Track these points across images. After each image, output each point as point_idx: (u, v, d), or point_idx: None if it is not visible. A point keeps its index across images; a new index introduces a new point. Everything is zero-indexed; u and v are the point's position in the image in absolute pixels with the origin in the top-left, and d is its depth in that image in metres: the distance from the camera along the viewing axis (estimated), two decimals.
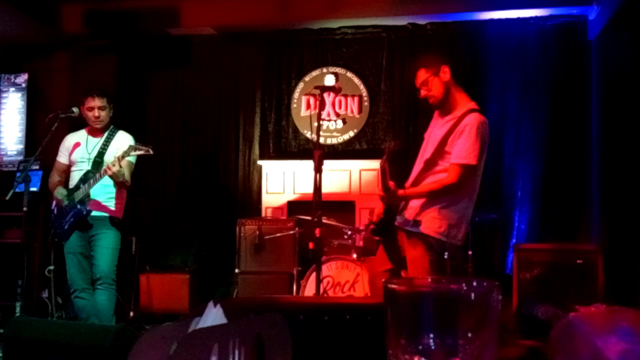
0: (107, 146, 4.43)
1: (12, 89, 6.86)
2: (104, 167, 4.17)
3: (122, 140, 4.47)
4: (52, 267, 4.66)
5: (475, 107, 3.40)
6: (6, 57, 6.97)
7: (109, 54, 6.64)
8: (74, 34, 6.74)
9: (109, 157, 4.35)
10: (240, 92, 6.91)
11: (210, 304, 0.95)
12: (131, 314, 5.74)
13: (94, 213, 4.32)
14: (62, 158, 4.52)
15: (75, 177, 4.41)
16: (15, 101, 6.84)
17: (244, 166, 6.82)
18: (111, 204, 4.42)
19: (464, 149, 3.23)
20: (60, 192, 4.36)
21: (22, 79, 6.85)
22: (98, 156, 4.38)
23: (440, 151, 3.35)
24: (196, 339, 0.84)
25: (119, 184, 4.31)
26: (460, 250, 3.66)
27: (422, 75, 3.44)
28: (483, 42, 6.34)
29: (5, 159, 6.78)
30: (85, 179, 4.31)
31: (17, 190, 4.27)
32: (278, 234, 5.51)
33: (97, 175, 4.22)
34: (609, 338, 1.13)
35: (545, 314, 4.24)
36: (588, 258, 4.65)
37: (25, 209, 4.24)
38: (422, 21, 6.41)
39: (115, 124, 4.56)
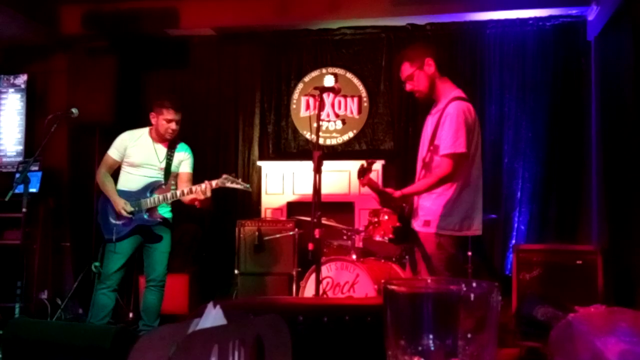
0: (172, 157, 4.53)
1: (11, 90, 6.86)
2: (191, 191, 4.28)
3: (185, 154, 4.61)
4: (97, 264, 4.72)
5: (459, 94, 3.38)
6: (5, 58, 6.97)
7: (108, 55, 6.63)
8: (73, 35, 6.74)
9: (173, 168, 4.52)
10: (240, 93, 6.91)
11: (210, 305, 0.95)
12: (130, 315, 5.74)
13: (159, 220, 4.47)
14: (116, 155, 4.52)
15: (136, 181, 4.45)
16: (14, 102, 6.84)
17: (244, 167, 6.81)
18: (168, 210, 4.61)
19: (449, 138, 3.22)
20: (121, 200, 4.37)
21: (22, 80, 6.85)
22: (167, 167, 4.48)
23: (432, 147, 3.36)
24: (196, 340, 0.84)
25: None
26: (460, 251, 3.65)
27: (406, 69, 3.45)
28: (482, 43, 6.34)
29: (4, 160, 6.77)
30: (154, 188, 4.40)
31: (16, 191, 4.27)
32: (277, 235, 5.50)
33: (176, 193, 4.35)
34: (609, 339, 1.13)
35: (544, 315, 4.24)
36: (587, 259, 4.64)
37: (24, 210, 4.23)
38: (421, 22, 6.41)
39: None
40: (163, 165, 4.49)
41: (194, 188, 4.24)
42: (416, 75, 3.41)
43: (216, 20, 6.62)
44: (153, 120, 4.51)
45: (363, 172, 3.39)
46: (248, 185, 4.36)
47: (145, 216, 4.39)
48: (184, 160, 4.59)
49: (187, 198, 4.31)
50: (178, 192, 4.35)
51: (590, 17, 5.97)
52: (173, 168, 4.53)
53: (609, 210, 5.40)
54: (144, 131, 4.58)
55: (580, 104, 6.08)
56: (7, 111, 6.85)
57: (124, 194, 4.42)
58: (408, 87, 3.46)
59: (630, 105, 4.81)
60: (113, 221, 4.40)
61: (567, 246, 4.92)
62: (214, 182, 4.22)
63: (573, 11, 6.04)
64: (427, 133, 3.44)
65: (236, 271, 5.67)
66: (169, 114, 4.44)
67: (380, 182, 6.27)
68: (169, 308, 5.60)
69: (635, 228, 4.61)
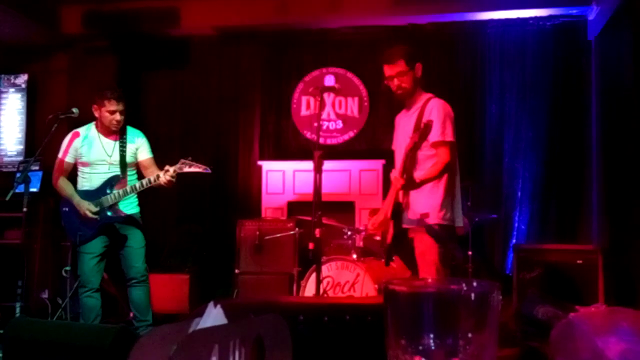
0: (125, 148, 4.43)
1: (12, 89, 6.86)
2: (158, 177, 4.18)
3: (138, 142, 4.49)
4: (68, 268, 4.69)
5: (433, 95, 3.59)
6: (6, 58, 6.97)
7: (109, 55, 6.64)
8: (74, 35, 6.74)
9: (129, 158, 4.42)
10: (240, 93, 6.91)
11: (211, 304, 0.95)
12: (131, 314, 5.73)
13: (122, 216, 4.38)
14: (69, 158, 4.42)
15: (93, 179, 4.37)
16: (15, 102, 6.84)
17: (244, 167, 6.81)
18: (134, 205, 4.50)
19: (438, 128, 3.39)
20: (84, 202, 4.28)
21: (22, 79, 6.85)
22: (121, 160, 4.39)
23: (414, 141, 3.46)
24: (196, 339, 0.84)
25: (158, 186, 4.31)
26: (460, 250, 3.67)
27: (401, 65, 3.54)
28: (483, 43, 6.34)
29: (5, 159, 6.77)
30: (113, 183, 4.32)
31: (17, 190, 4.26)
32: (278, 235, 5.50)
33: (138, 185, 4.27)
34: (609, 338, 1.13)
35: (545, 314, 4.24)
36: (588, 258, 4.64)
37: (25, 209, 4.23)
38: (421, 21, 6.41)
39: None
40: (113, 159, 4.39)
41: (160, 176, 4.16)
42: (407, 74, 3.53)
43: (217, 20, 6.62)
44: (96, 113, 4.38)
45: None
46: (208, 168, 4.24)
47: (109, 213, 4.30)
48: (139, 147, 4.48)
49: (155, 184, 4.23)
50: (145, 182, 4.26)
51: (591, 17, 5.97)
52: (129, 158, 4.43)
53: (610, 209, 5.40)
54: (90, 127, 4.46)
55: (580, 104, 6.08)
56: (8, 111, 6.85)
57: (83, 195, 4.33)
58: (395, 82, 3.56)
59: (630, 105, 4.81)
60: (78, 224, 4.32)
61: (567, 246, 4.92)
62: (171, 169, 4.15)
63: (573, 11, 6.04)
64: (404, 130, 3.56)
65: (236, 271, 5.66)
66: (111, 105, 4.32)
67: (381, 182, 6.28)
68: (169, 307, 5.62)
69: (635, 227, 4.61)
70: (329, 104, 6.62)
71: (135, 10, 6.53)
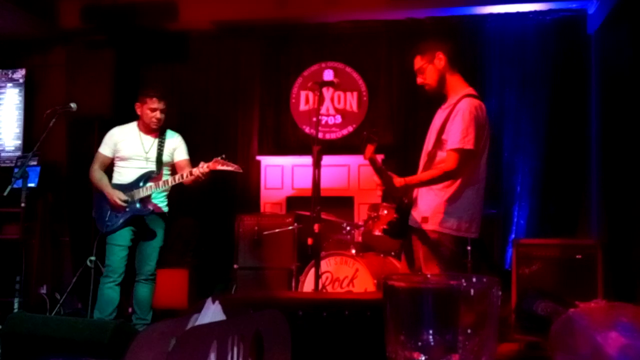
0: (163, 147, 4.59)
1: (9, 84, 6.84)
2: (191, 173, 4.30)
3: (176, 142, 4.68)
4: (93, 258, 4.77)
5: (471, 92, 3.35)
6: (3, 52, 6.95)
7: (107, 49, 6.62)
8: (72, 29, 6.72)
9: (166, 157, 4.58)
10: (239, 88, 6.89)
11: (209, 300, 0.95)
12: (130, 309, 5.73)
13: (151, 210, 4.52)
14: (107, 151, 4.60)
15: (127, 174, 4.52)
16: (12, 97, 6.82)
17: (243, 161, 6.79)
18: (164, 205, 4.67)
19: (458, 133, 3.17)
20: (114, 191, 4.44)
21: (20, 74, 6.83)
22: (158, 157, 4.54)
23: (438, 141, 3.31)
24: (195, 335, 0.84)
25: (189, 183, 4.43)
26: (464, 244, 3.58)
27: (417, 62, 3.44)
28: (482, 37, 6.32)
29: (3, 154, 6.76)
30: (147, 178, 4.47)
31: (15, 186, 4.26)
32: (277, 230, 5.50)
33: (171, 180, 4.41)
34: (609, 333, 1.13)
35: (545, 310, 4.24)
36: (587, 253, 4.64)
37: (23, 204, 4.24)
38: (420, 16, 6.39)
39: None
40: (150, 155, 4.54)
41: (194, 170, 4.30)
42: (426, 68, 3.40)
43: (215, 14, 6.60)
44: (138, 111, 4.58)
45: (367, 141, 3.39)
46: (239, 167, 4.37)
47: (138, 206, 4.44)
48: (177, 148, 4.67)
49: (188, 180, 4.36)
50: (177, 177, 4.40)
51: (591, 11, 5.96)
52: (166, 157, 4.59)
53: (609, 204, 5.39)
54: (133, 125, 4.65)
55: (580, 98, 6.07)
56: (6, 106, 6.84)
57: (117, 188, 4.49)
58: (419, 80, 3.45)
59: (630, 99, 4.80)
60: (108, 213, 4.46)
61: (567, 241, 4.91)
62: (205, 165, 4.27)
63: (573, 5, 6.02)
64: (435, 127, 3.40)
65: (235, 266, 5.66)
66: (152, 103, 4.51)
67: (375, 175, 6.26)
68: (167, 303, 5.61)
69: (635, 222, 4.61)
70: (327, 99, 6.61)
71: (134, 4, 6.51)
